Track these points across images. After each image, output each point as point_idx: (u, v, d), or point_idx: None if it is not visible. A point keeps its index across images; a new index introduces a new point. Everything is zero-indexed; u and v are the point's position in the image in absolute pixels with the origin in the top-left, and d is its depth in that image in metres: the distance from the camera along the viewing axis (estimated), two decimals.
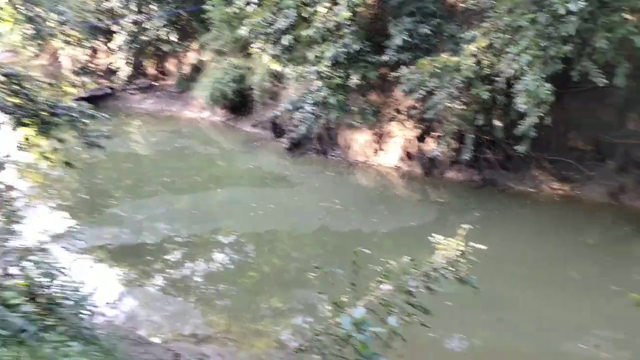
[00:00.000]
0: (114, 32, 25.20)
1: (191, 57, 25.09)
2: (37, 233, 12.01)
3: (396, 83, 15.22)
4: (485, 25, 13.54)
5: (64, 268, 6.30)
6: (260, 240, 12.84)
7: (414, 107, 15.84)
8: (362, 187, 16.16)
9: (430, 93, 14.16)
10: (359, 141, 17.30)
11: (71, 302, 5.65)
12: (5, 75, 9.45)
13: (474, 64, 13.45)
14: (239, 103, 21.23)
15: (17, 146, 10.32)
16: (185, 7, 23.89)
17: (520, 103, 12.21)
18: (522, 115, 12.46)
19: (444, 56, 14.03)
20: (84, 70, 26.72)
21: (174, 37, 24.57)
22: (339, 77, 15.98)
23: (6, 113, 9.32)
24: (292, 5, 15.94)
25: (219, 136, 21.32)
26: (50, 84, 11.23)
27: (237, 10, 17.85)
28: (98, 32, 25.45)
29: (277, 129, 19.41)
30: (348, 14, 15.15)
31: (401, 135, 16.63)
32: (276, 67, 18.31)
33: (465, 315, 9.15)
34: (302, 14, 15.94)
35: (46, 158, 10.65)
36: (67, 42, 25.11)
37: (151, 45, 25.15)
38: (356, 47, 15.44)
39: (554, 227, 12.53)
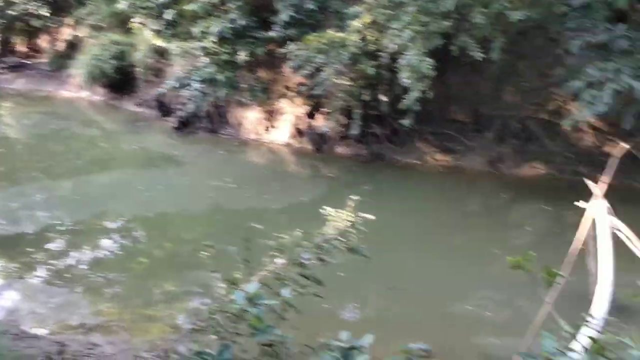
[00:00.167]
0: None
1: (66, 33, 23.48)
2: None
3: (284, 59, 15.17)
4: (369, 0, 13.76)
5: None
6: (149, 224, 12.37)
7: (303, 84, 15.88)
8: (254, 164, 16.04)
9: (317, 69, 14.25)
10: (250, 119, 17.11)
11: None
12: None
13: (359, 40, 13.68)
14: (120, 81, 20.16)
15: None
16: None
17: (404, 78, 12.59)
18: (406, 90, 12.87)
19: (330, 32, 14.16)
20: None
21: (45, 12, 22.86)
22: (226, 53, 15.67)
23: None
24: None
25: (100, 116, 20.21)
26: None
27: None
28: None
29: (164, 108, 18.70)
30: None
31: (291, 112, 16.63)
32: (159, 42, 17.62)
33: (358, 286, 9.38)
34: None
35: None
36: None
37: (20, 21, 23.27)
38: (242, 22, 15.20)
39: (438, 196, 13.12)
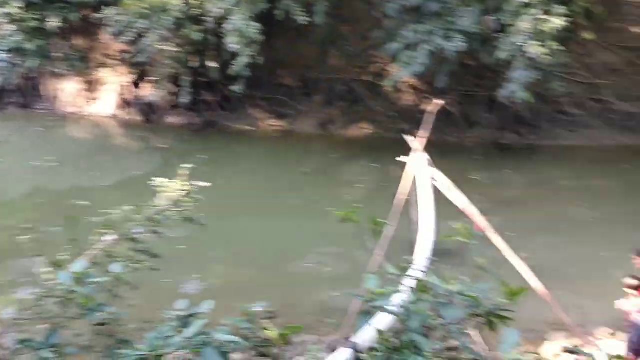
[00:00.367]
0: None
1: None
2: None
3: (102, 25, 14.18)
4: None
5: None
6: None
7: (125, 51, 15.03)
8: (77, 140, 14.95)
9: (140, 35, 13.53)
10: (68, 91, 15.85)
11: None
12: None
13: (183, 4, 13.19)
14: None
15: None
16: None
17: (231, 43, 12.43)
18: (234, 56, 12.72)
19: None
20: None
21: None
22: (35, 19, 14.28)
23: None
24: None
25: None
26: None
27: None
28: None
29: None
30: None
31: (115, 81, 15.70)
32: None
33: (200, 256, 9.25)
34: None
35: None
36: None
37: None
38: None
39: (273, 160, 13.31)
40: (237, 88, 13.15)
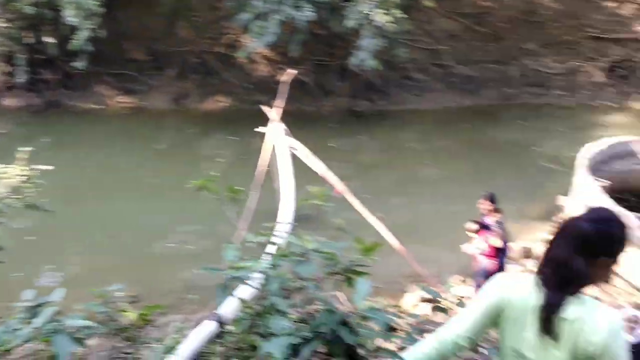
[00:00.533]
0: None
1: None
2: None
3: None
4: None
5: None
6: None
7: None
8: None
9: None
10: None
11: None
12: None
13: None
14: None
15: None
16: None
17: (69, 16, 11.59)
18: (74, 30, 11.88)
19: None
20: None
21: None
22: None
23: None
24: None
25: None
26: None
27: None
28: None
29: None
30: None
31: None
32: None
33: (54, 246, 8.64)
34: None
35: None
36: None
37: None
38: None
39: (127, 139, 12.69)
40: (79, 64, 12.32)
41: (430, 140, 13.50)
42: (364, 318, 1.92)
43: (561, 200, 8.82)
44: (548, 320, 1.91)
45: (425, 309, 6.31)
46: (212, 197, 3.69)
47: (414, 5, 13.95)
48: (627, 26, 16.57)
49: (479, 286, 6.89)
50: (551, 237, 2.01)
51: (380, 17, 11.91)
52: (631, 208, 8.88)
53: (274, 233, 3.01)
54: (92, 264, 8.47)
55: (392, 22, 12.08)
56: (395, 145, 13.34)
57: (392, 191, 10.90)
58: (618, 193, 9.46)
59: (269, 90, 12.99)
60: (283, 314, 2.04)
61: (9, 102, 14.15)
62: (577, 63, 16.28)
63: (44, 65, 13.96)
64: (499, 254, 6.96)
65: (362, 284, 2.00)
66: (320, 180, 8.38)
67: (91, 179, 10.95)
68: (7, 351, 2.20)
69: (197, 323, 5.56)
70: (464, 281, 7.77)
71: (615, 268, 1.95)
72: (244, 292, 2.58)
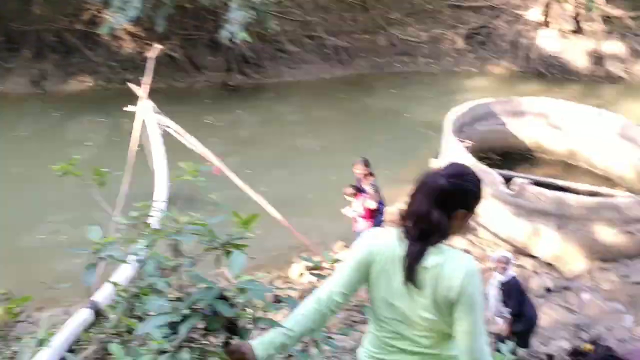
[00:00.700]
0: None
1: None
2: None
3: None
4: None
5: None
6: None
7: None
8: None
9: None
10: None
11: None
12: None
13: None
14: None
15: None
16: None
17: None
18: None
19: None
20: None
21: None
22: None
23: None
24: None
25: None
26: None
27: None
28: None
29: None
30: None
31: None
32: None
33: None
34: None
35: None
36: None
37: None
38: None
39: None
40: None
41: (307, 111, 13.64)
42: (242, 291, 1.91)
43: (433, 162, 9.30)
44: (411, 269, 2.03)
45: (311, 277, 6.45)
46: (82, 183, 3.49)
47: None
48: None
49: None
50: (411, 192, 2.11)
51: None
52: (494, 165, 9.62)
53: (147, 213, 2.90)
54: None
55: None
56: (273, 118, 13.34)
57: (273, 165, 10.93)
58: (482, 152, 10.18)
59: (137, 67, 12.45)
60: (161, 293, 1.98)
61: None
62: (439, 31, 17.07)
63: None
64: (375, 215, 7.31)
65: (236, 257, 1.98)
66: (199, 158, 8.21)
67: None
68: None
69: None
70: (346, 246, 8.01)
71: (472, 219, 2.09)
72: (120, 276, 2.49)
